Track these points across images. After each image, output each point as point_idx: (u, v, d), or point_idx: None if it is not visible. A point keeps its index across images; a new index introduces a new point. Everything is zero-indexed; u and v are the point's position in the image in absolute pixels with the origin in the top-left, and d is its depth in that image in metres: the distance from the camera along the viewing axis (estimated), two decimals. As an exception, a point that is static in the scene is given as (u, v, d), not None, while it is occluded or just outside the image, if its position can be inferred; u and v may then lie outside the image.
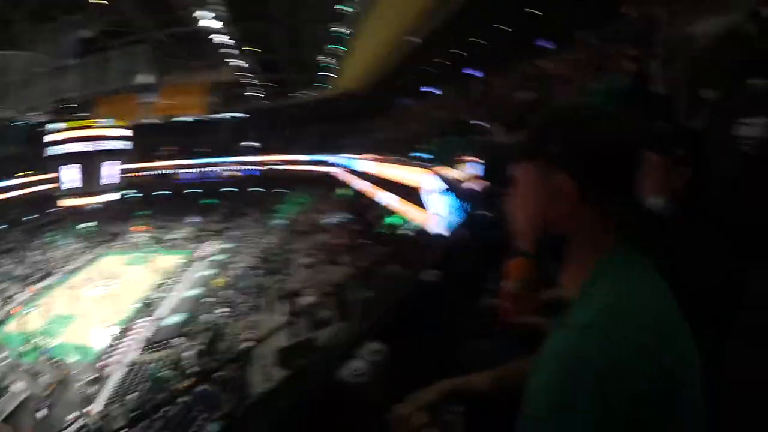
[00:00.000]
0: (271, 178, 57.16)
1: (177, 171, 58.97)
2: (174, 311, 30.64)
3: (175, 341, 25.37)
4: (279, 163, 56.45)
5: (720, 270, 1.67)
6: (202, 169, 58.86)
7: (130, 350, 26.18)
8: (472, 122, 19.40)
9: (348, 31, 38.06)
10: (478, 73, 32.63)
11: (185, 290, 34.47)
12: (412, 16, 31.13)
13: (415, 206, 19.27)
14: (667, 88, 8.00)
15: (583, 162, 1.05)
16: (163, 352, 24.86)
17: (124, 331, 28.44)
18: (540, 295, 2.14)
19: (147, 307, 31.78)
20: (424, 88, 40.89)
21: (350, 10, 34.63)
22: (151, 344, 26.12)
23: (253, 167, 58.21)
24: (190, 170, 59.05)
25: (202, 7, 38.73)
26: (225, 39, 43.61)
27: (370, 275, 16.07)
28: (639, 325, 0.90)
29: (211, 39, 43.48)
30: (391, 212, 26.57)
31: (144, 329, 28.41)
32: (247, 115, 57.82)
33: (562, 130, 1.08)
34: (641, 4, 18.18)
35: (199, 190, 58.00)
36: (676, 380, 0.90)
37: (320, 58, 46.88)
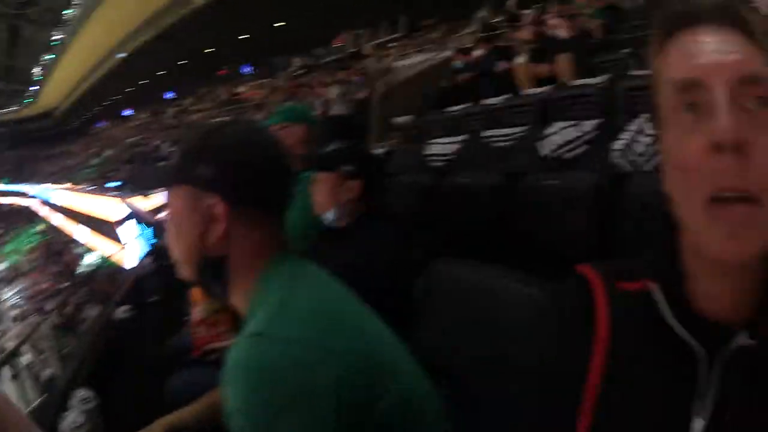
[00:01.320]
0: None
1: None
2: None
3: None
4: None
5: (393, 264, 1.83)
6: None
7: None
8: (163, 148, 18.57)
9: (63, 38, 33.28)
10: (174, 96, 31.38)
11: None
12: (121, 31, 28.75)
13: (111, 240, 17.57)
14: (361, 112, 8.67)
15: (231, 183, 1.04)
16: None
17: None
18: (229, 316, 2.16)
19: None
20: (123, 111, 38.16)
21: (70, 13, 30.30)
22: None
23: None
24: None
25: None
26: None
27: (75, 320, 14.55)
28: (306, 325, 0.93)
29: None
30: (88, 248, 23.88)
31: None
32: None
33: (209, 152, 1.05)
34: (351, 37, 19.46)
35: None
36: (368, 369, 0.94)
37: (35, 69, 39.68)
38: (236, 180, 1.04)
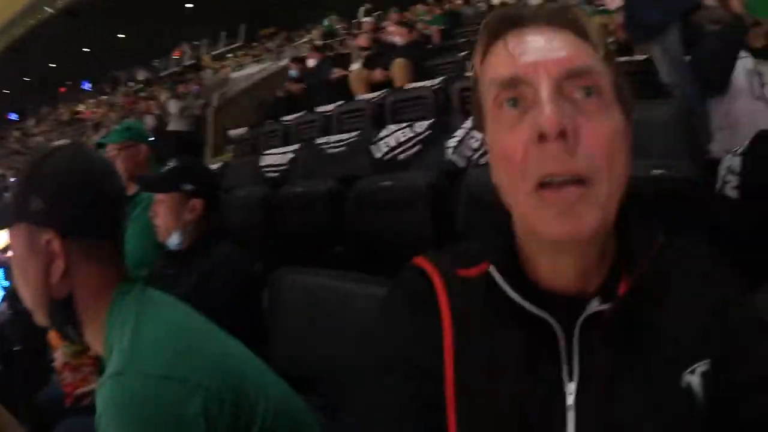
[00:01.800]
0: None
1: None
2: None
3: None
4: None
5: (239, 282, 1.82)
6: None
7: None
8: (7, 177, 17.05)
9: None
10: (18, 117, 28.79)
11: None
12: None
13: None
14: (199, 126, 8.31)
15: (64, 215, 0.98)
16: None
17: None
18: (92, 357, 2.00)
19: None
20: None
21: None
22: None
23: None
24: None
25: None
26: None
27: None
28: (164, 357, 0.91)
29: None
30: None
31: None
32: None
33: (38, 185, 1.00)
34: (190, 48, 18.87)
35: None
36: (235, 392, 0.94)
37: None
38: (68, 211, 0.99)
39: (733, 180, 1.73)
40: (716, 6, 4.42)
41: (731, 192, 1.74)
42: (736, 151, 1.77)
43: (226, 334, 1.07)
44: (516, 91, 0.61)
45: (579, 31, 0.63)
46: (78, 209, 1.01)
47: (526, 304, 0.64)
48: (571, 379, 0.63)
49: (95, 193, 1.03)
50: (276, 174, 4.25)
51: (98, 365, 2.04)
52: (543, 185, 0.58)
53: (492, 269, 0.67)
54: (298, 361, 1.51)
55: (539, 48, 0.61)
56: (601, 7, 4.55)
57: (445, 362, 0.67)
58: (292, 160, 4.26)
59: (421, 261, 0.75)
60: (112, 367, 0.91)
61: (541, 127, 0.57)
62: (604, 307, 0.63)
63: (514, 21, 0.64)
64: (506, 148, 0.61)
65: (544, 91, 0.59)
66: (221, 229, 2.06)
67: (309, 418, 1.10)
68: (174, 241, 1.97)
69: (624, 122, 0.62)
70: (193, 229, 1.96)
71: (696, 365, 0.64)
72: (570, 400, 0.63)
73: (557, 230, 0.58)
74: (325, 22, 10.57)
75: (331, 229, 2.78)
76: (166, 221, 1.97)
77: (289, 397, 1.09)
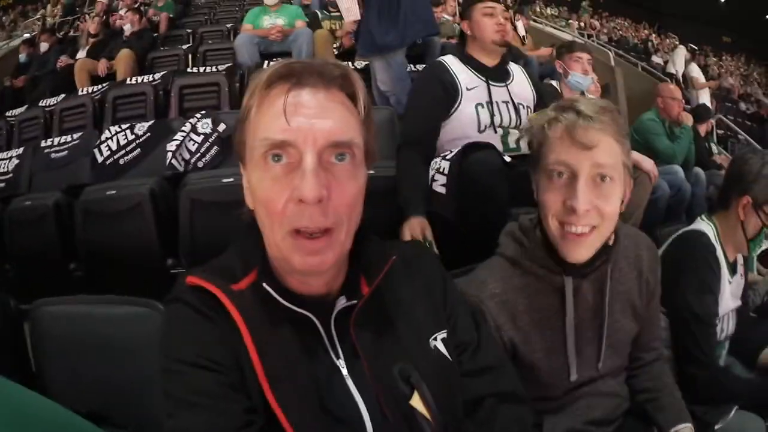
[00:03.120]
0: None
1: None
2: None
3: None
4: None
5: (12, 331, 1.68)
6: None
7: None
8: None
9: None
10: None
11: None
12: None
13: None
14: None
15: None
16: None
17: None
18: None
19: None
20: None
21: None
22: None
23: None
24: None
25: None
26: None
27: None
28: None
29: None
30: None
31: None
32: None
33: None
34: None
35: None
36: None
37: None
38: None
39: (441, 179, 1.95)
40: (449, 23, 4.80)
41: (439, 188, 1.96)
42: (445, 156, 1.97)
43: (31, 395, 0.99)
44: (282, 150, 0.70)
45: (350, 94, 0.75)
46: None
47: (293, 307, 0.77)
48: (338, 357, 0.78)
49: None
50: (1, 185, 3.72)
51: None
52: (296, 231, 0.71)
53: (264, 284, 0.78)
54: (81, 396, 1.45)
55: (310, 114, 0.71)
56: (333, 13, 4.56)
57: (252, 358, 0.74)
58: (16, 167, 3.74)
59: (195, 280, 0.79)
60: None
61: (302, 195, 0.68)
62: (352, 303, 0.80)
63: (292, 77, 0.72)
64: (267, 198, 0.72)
65: (308, 159, 0.69)
66: None
67: None
68: None
69: (366, 175, 0.78)
70: None
71: (436, 333, 0.85)
72: (345, 371, 0.78)
73: (305, 266, 0.73)
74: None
75: (62, 245, 2.68)
76: None
77: None
